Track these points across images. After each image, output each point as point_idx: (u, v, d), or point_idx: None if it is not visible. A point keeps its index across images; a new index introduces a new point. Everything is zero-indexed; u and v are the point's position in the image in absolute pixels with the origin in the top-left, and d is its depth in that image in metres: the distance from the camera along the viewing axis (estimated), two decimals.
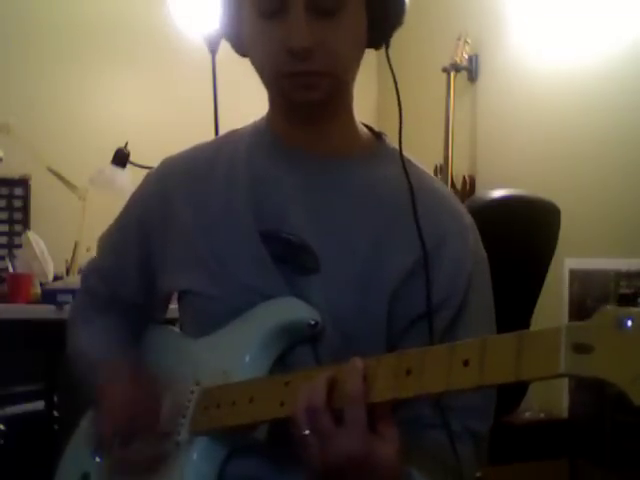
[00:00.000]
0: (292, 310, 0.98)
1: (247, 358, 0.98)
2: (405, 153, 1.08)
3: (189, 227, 1.07)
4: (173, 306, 1.16)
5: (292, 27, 0.94)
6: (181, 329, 1.13)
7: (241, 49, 1.05)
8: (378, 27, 1.01)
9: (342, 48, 0.97)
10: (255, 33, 0.99)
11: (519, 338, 0.74)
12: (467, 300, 1.02)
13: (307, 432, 0.83)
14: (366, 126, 1.11)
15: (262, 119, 1.12)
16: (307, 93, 0.99)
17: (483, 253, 1.07)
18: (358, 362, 0.84)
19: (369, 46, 1.03)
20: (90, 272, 1.24)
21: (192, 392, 1.01)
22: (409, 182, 1.02)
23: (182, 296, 1.10)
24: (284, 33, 0.95)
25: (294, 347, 0.99)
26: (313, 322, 0.96)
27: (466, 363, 0.76)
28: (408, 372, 0.80)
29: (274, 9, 0.95)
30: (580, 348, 0.69)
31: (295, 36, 0.94)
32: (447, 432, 0.96)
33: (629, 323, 0.67)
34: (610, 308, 0.69)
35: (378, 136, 1.11)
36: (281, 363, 0.99)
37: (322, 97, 0.99)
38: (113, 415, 1.03)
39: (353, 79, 1.04)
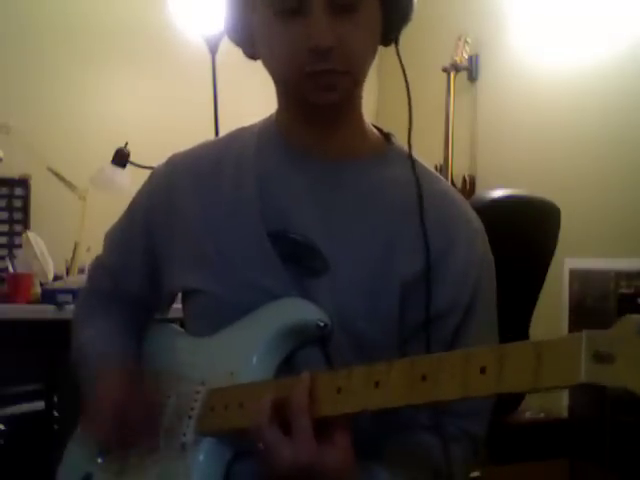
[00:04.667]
0: (300, 311, 0.98)
1: (254, 359, 0.98)
2: (414, 153, 1.08)
3: (196, 225, 1.06)
4: (177, 306, 1.16)
5: (314, 25, 0.93)
6: (185, 328, 1.13)
7: (251, 51, 1.04)
8: (390, 24, 1.01)
9: (361, 46, 0.97)
10: (271, 33, 0.98)
11: (537, 346, 0.74)
12: (473, 305, 1.02)
13: (260, 446, 0.87)
14: (375, 127, 1.11)
15: (270, 118, 1.12)
16: (327, 94, 0.98)
17: (490, 258, 1.06)
18: (305, 376, 0.87)
19: (381, 43, 1.03)
20: (96, 268, 1.23)
21: (198, 392, 1.00)
22: (418, 188, 1.02)
23: (187, 295, 1.09)
24: (305, 32, 0.94)
25: (302, 348, 0.98)
26: (322, 324, 0.95)
27: (483, 370, 0.76)
28: (423, 378, 0.80)
29: (292, 8, 0.94)
30: (601, 357, 0.68)
31: (317, 34, 0.93)
32: (440, 434, 0.96)
33: None
34: (632, 316, 0.69)
35: (387, 137, 1.11)
36: (289, 364, 0.98)
37: (340, 97, 0.99)
38: (101, 419, 1.02)
39: (365, 78, 1.04)
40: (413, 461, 0.98)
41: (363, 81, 1.03)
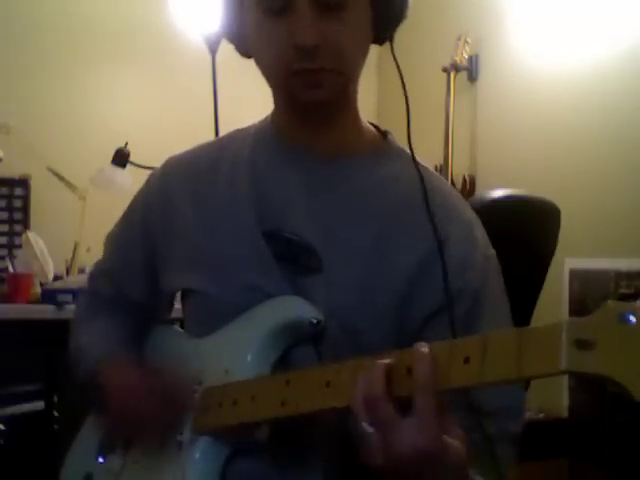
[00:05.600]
0: (294, 309, 0.98)
1: (249, 357, 0.98)
2: (409, 151, 1.08)
3: (191, 226, 1.07)
4: (177, 306, 1.16)
5: (298, 24, 0.93)
6: (184, 328, 1.13)
7: (244, 49, 1.04)
8: (383, 22, 1.01)
9: (348, 44, 0.96)
10: (260, 32, 0.98)
11: (520, 334, 0.73)
12: (482, 296, 1.00)
13: (366, 425, 0.76)
14: (372, 124, 1.11)
15: (266, 119, 1.12)
16: (314, 92, 0.98)
17: (491, 249, 1.05)
18: (424, 347, 0.76)
19: (375, 41, 1.02)
20: (96, 273, 1.24)
21: (194, 392, 1.01)
22: (419, 173, 1.01)
23: (185, 295, 1.10)
24: (290, 30, 0.94)
25: (296, 346, 0.99)
26: (315, 321, 0.95)
27: (467, 360, 0.75)
28: (408, 370, 0.79)
29: (279, 6, 0.94)
30: (582, 344, 0.67)
31: (301, 33, 0.93)
32: (484, 435, 0.93)
33: (632, 318, 0.66)
34: (612, 303, 0.68)
35: (384, 134, 1.10)
36: (283, 362, 0.98)
37: (329, 95, 0.99)
38: (123, 412, 1.02)
39: (358, 76, 1.03)
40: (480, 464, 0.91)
41: (355, 79, 1.03)
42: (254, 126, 1.13)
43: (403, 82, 1.04)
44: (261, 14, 0.97)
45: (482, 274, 1.01)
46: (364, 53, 1.01)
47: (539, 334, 0.71)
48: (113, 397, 1.04)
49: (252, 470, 0.97)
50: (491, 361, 0.74)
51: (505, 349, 0.73)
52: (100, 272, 1.23)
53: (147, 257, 1.14)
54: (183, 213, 1.08)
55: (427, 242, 0.99)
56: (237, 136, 1.13)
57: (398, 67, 1.03)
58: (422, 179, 1.02)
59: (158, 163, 1.19)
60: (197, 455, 0.97)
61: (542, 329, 0.72)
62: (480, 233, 1.05)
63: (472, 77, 3.51)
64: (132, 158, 2.85)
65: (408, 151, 1.06)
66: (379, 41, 1.03)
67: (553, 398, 2.85)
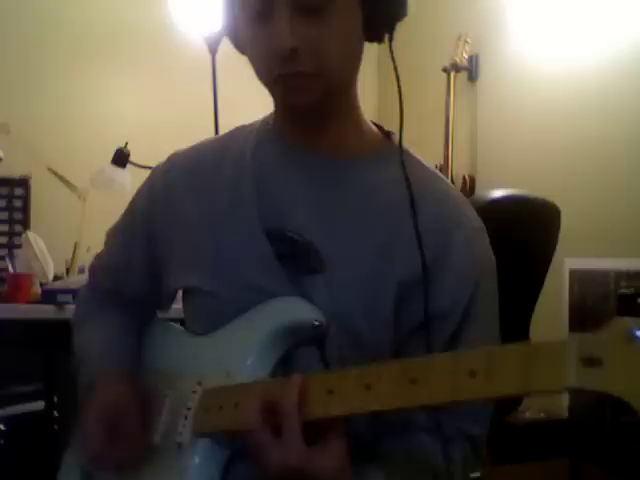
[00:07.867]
0: (296, 310, 0.97)
1: (249, 360, 0.97)
2: (414, 152, 1.07)
3: (194, 224, 1.06)
4: (177, 306, 1.16)
5: (275, 29, 0.92)
6: (185, 327, 1.13)
7: (242, 49, 1.04)
8: (375, 21, 0.97)
9: (331, 47, 0.94)
10: (248, 35, 0.98)
11: (527, 349, 0.72)
12: (472, 309, 1.00)
13: (251, 447, 0.88)
14: (377, 125, 1.10)
15: (269, 116, 1.11)
16: (298, 96, 0.97)
17: (491, 260, 1.05)
18: (297, 377, 0.87)
19: (371, 40, 0.99)
20: (96, 267, 1.23)
21: (194, 392, 1.00)
22: (410, 192, 1.00)
23: (186, 293, 1.09)
24: (271, 34, 0.93)
25: (299, 348, 0.98)
26: (317, 323, 0.95)
27: (472, 374, 0.75)
28: (413, 381, 0.79)
29: (262, 10, 0.93)
30: (589, 361, 0.67)
31: (278, 37, 0.92)
32: (439, 435, 0.95)
33: None
34: (621, 319, 0.67)
35: (388, 135, 1.09)
36: (286, 364, 0.98)
37: (314, 100, 0.97)
38: (90, 435, 1.02)
39: (353, 77, 1.02)
40: (411, 463, 0.97)
41: (348, 81, 1.01)
42: (258, 122, 1.12)
43: (398, 81, 1.01)
44: (248, 18, 0.96)
45: (477, 290, 1.01)
46: (353, 54, 0.99)
47: (546, 350, 0.71)
48: (87, 414, 1.03)
49: (252, 473, 0.97)
50: (497, 376, 0.73)
51: (511, 364, 0.73)
52: (101, 266, 1.22)
53: (149, 256, 1.13)
54: (186, 211, 1.08)
55: (429, 246, 0.99)
56: (241, 133, 1.12)
57: (395, 66, 1.01)
58: (409, 186, 1.01)
59: (158, 163, 1.18)
60: (196, 458, 0.96)
61: (549, 345, 0.71)
62: (482, 243, 1.04)
63: (472, 77, 3.51)
64: (132, 158, 2.85)
65: (412, 153, 1.06)
66: (376, 39, 1.00)
67: (553, 398, 2.85)
